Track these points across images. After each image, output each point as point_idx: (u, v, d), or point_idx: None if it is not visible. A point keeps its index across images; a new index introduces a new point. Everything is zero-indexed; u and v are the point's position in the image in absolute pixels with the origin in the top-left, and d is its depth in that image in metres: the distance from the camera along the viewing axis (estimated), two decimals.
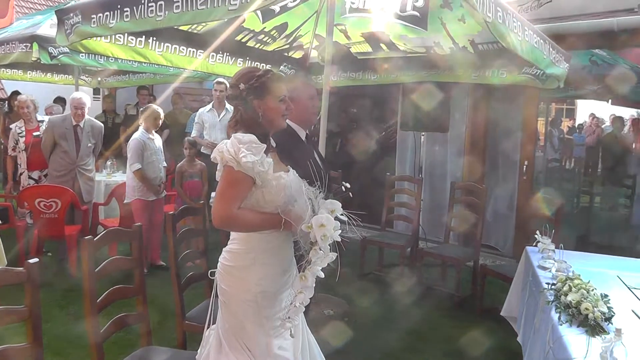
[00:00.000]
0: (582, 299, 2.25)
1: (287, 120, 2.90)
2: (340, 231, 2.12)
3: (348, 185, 2.29)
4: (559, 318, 2.26)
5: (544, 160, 6.71)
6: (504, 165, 5.72)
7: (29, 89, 6.18)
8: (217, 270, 2.28)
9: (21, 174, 5.22)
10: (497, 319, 3.71)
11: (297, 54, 5.57)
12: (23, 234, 4.72)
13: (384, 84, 5.39)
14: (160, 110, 5.07)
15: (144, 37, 4.44)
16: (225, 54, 5.13)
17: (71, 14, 3.68)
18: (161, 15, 3.18)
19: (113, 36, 4.21)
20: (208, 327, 2.40)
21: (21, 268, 1.95)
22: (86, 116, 5.02)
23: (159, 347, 2.67)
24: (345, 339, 3.84)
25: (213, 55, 5.05)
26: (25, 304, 1.97)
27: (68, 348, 3.49)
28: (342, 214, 2.17)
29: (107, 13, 3.43)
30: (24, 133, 5.18)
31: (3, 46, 4.86)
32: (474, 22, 3.86)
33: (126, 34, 4.29)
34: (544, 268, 2.97)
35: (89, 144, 5.04)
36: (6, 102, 7.67)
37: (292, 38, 5.19)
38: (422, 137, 5.36)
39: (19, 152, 5.24)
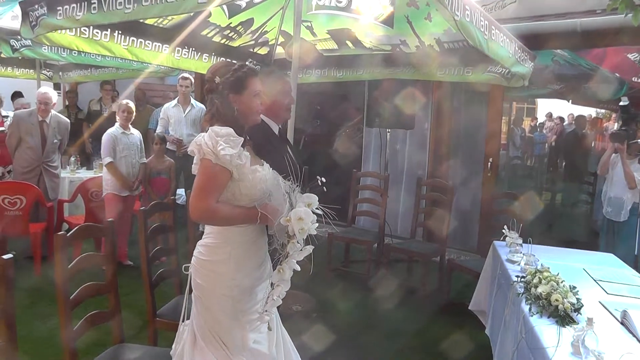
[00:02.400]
0: (552, 291, 2.33)
1: (261, 115, 2.94)
2: (317, 224, 2.14)
3: (324, 179, 2.31)
4: (530, 309, 2.34)
5: (507, 158, 6.88)
6: (468, 162, 5.85)
7: None
8: (192, 264, 2.27)
9: None
10: (464, 312, 3.80)
11: (263, 50, 5.55)
12: None
13: (349, 80, 5.42)
14: (131, 104, 5.05)
15: (109, 30, 4.33)
16: (190, 49, 5.06)
17: (36, 6, 3.56)
18: (130, 8, 3.10)
19: (78, 29, 4.09)
20: (182, 323, 2.38)
21: None
22: (52, 112, 4.89)
23: (131, 344, 2.64)
24: (313, 334, 3.87)
25: (179, 50, 4.98)
26: None
27: (38, 348, 3.40)
28: (317, 208, 2.20)
29: (74, 5, 3.32)
30: None
31: None
32: (440, 21, 3.95)
33: (91, 27, 4.18)
34: (513, 262, 3.06)
35: (55, 140, 4.92)
36: None
37: (257, 34, 5.17)
38: (388, 133, 5.42)
39: None
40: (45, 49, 5.01)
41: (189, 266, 2.29)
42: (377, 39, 4.78)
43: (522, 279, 2.60)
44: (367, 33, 4.76)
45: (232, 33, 5.02)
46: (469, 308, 3.66)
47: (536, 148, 9.86)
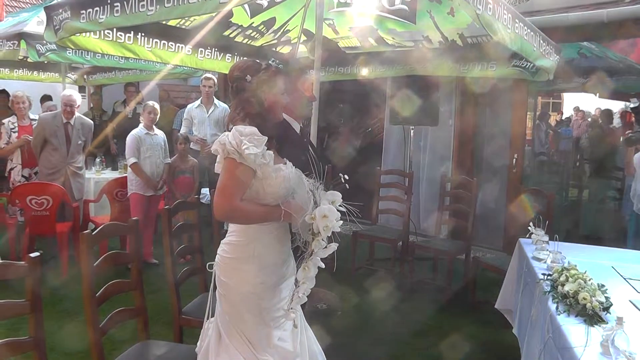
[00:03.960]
0: (580, 289, 2.26)
1: (283, 114, 2.94)
2: (341, 222, 2.13)
3: (346, 176, 2.30)
4: (557, 308, 2.28)
5: (532, 153, 6.75)
6: (493, 159, 5.77)
7: (16, 87, 6.09)
8: (216, 262, 2.29)
9: (11, 169, 5.15)
10: (491, 311, 3.73)
11: (285, 49, 5.56)
12: (14, 231, 4.66)
13: (372, 78, 5.39)
14: (156, 105, 5.12)
15: (132, 32, 4.40)
16: (213, 49, 5.11)
17: (60, 10, 3.62)
18: (152, 10, 3.14)
19: (102, 32, 4.17)
20: (207, 320, 2.40)
21: (23, 262, 1.93)
22: (76, 113, 4.98)
23: (157, 341, 2.67)
24: (338, 333, 3.86)
25: (202, 51, 5.03)
26: (27, 298, 1.95)
27: (65, 344, 3.46)
28: (340, 205, 2.20)
29: (97, 8, 3.37)
30: (17, 129, 5.12)
31: None
32: (463, 16, 3.90)
33: (115, 30, 4.25)
34: (539, 259, 2.99)
35: (79, 142, 5.01)
36: None
37: (279, 33, 5.18)
38: (412, 130, 5.37)
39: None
40: (70, 53, 5.08)
41: (213, 264, 2.30)
42: (399, 35, 4.76)
43: (549, 277, 2.55)
44: (389, 30, 4.74)
45: (254, 33, 5.05)
46: (495, 307, 3.60)
47: (562, 143, 9.65)
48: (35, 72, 6.80)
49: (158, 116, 5.14)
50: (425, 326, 4.05)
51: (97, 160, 6.00)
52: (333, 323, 4.03)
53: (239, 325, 2.20)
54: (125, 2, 3.23)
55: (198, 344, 2.39)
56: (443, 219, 4.90)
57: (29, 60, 5.01)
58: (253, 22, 4.83)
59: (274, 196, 2.14)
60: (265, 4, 4.53)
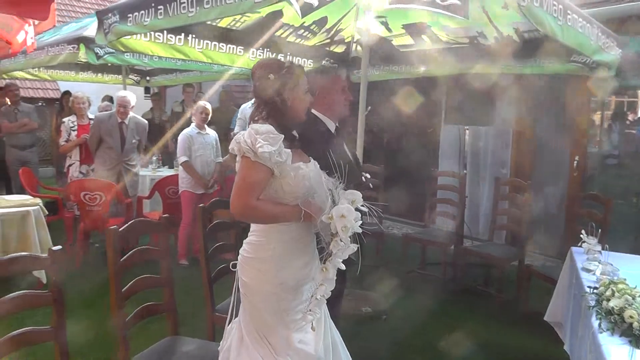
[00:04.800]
0: (626, 306, 2.07)
1: (317, 112, 2.90)
2: (361, 222, 2.06)
3: (368, 175, 2.22)
4: (600, 325, 2.09)
5: (600, 156, 6.28)
6: (554, 161, 5.43)
7: (81, 89, 6.42)
8: (238, 262, 2.27)
9: (70, 165, 5.42)
10: (542, 323, 3.51)
11: (339, 49, 5.51)
12: (71, 225, 4.90)
13: (427, 76, 5.23)
14: (208, 106, 5.22)
15: (183, 34, 4.51)
16: (265, 50, 5.14)
17: (109, 14, 3.77)
18: (192, 11, 3.20)
19: (152, 34, 4.30)
20: (230, 320, 2.39)
21: (45, 255, 2.00)
22: (131, 113, 5.17)
23: (185, 337, 2.68)
24: (381, 338, 3.77)
25: (253, 52, 5.07)
26: (50, 290, 2.01)
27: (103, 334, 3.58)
28: (362, 205, 2.11)
29: (143, 11, 3.48)
30: (76, 127, 5.39)
31: (53, 48, 5.06)
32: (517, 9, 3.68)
33: (165, 32, 4.38)
34: (588, 270, 2.77)
35: (134, 140, 5.20)
36: (58, 101, 7.99)
37: (332, 32, 5.13)
38: (467, 131, 5.16)
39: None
40: (128, 55, 5.29)
41: (236, 263, 2.29)
42: (453, 31, 4.58)
43: (594, 290, 2.34)
44: (442, 26, 4.58)
45: (307, 32, 5.03)
46: (545, 319, 3.37)
47: (636, 146, 8.92)
48: (99, 75, 7.16)
49: (210, 116, 5.23)
50: (470, 335, 3.86)
51: (154, 158, 6.20)
52: (376, 327, 3.94)
53: (259, 326, 2.17)
54: (167, 5, 3.31)
55: (222, 342, 2.39)
56: (497, 224, 4.65)
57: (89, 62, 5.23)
58: (304, 22, 4.81)
59: (293, 195, 2.10)
60: (316, 3, 4.49)
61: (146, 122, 5.48)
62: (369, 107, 7.54)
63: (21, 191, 5.21)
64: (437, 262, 5.10)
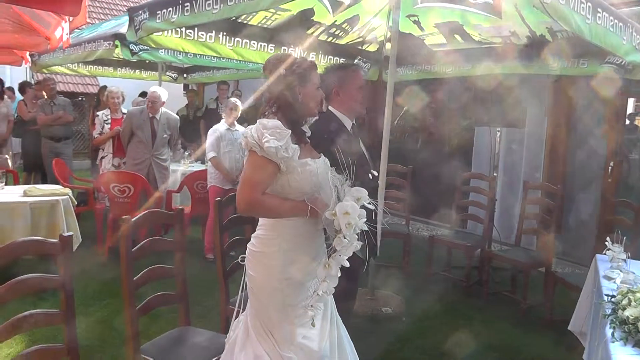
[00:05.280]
0: None
1: (333, 109, 2.89)
2: (365, 219, 2.05)
3: (376, 173, 2.20)
4: (612, 334, 2.01)
5: (637, 162, 6.00)
6: (587, 167, 5.24)
7: (119, 85, 6.61)
8: (246, 256, 2.28)
9: (102, 157, 5.59)
10: (566, 332, 3.39)
11: (372, 47, 5.50)
12: (101, 216, 5.05)
13: (459, 76, 5.13)
14: (238, 103, 5.29)
15: (214, 32, 4.56)
16: (297, 48, 5.15)
17: (140, 11, 3.87)
18: (217, 8, 3.26)
19: (183, 31, 4.38)
20: (237, 314, 2.40)
21: (55, 240, 2.06)
22: (162, 109, 5.28)
23: (196, 328, 2.73)
24: (398, 339, 3.72)
25: (284, 49, 5.08)
26: (60, 274, 2.07)
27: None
28: (369, 203, 2.10)
29: (170, 9, 3.57)
30: (110, 121, 5.56)
31: (90, 44, 5.23)
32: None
33: (196, 29, 4.45)
34: (609, 278, 2.66)
35: (165, 135, 5.31)
36: (96, 96, 8.25)
37: (365, 31, 5.12)
38: (498, 133, 5.04)
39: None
40: (162, 52, 5.40)
41: (245, 257, 2.30)
42: (485, 31, 4.49)
43: (611, 299, 2.24)
44: (474, 25, 4.49)
45: (339, 31, 5.04)
46: (569, 328, 3.25)
47: None
48: (137, 71, 7.35)
49: (239, 113, 5.29)
50: (491, 341, 3.77)
51: (186, 153, 6.33)
52: (395, 328, 3.90)
53: (264, 320, 2.19)
54: (193, 2, 3.38)
55: (228, 334, 2.41)
56: (524, 229, 4.51)
57: (125, 59, 5.37)
58: (336, 21, 4.82)
59: (299, 191, 2.10)
60: (347, 1, 4.50)
61: (177, 117, 5.59)
62: (405, 108, 7.52)
63: (55, 182, 5.39)
64: (463, 266, 5.02)
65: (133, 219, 2.47)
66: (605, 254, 2.94)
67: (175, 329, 2.68)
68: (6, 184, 4.46)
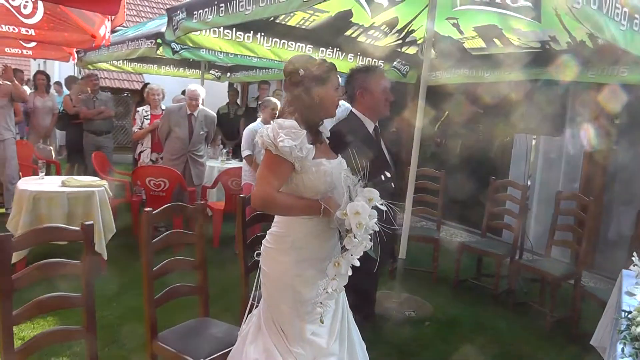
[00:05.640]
0: None
1: (356, 111, 2.92)
2: (375, 219, 2.07)
3: (388, 174, 2.21)
4: (622, 351, 1.95)
5: None
6: (628, 179, 5.02)
7: (161, 82, 6.83)
8: (261, 252, 2.33)
9: (141, 152, 5.78)
10: (590, 347, 3.30)
11: (411, 50, 5.47)
12: (137, 208, 5.23)
13: (498, 81, 5.04)
14: (276, 102, 5.36)
15: (252, 32, 4.66)
16: (335, 49, 5.18)
17: (178, 11, 4.01)
18: (249, 9, 3.35)
19: (221, 31, 4.50)
20: (251, 307, 2.45)
21: (78, 228, 2.18)
22: (200, 106, 5.42)
23: (213, 319, 2.78)
24: (418, 343, 3.70)
25: (322, 50, 5.13)
26: (82, 260, 2.18)
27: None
28: (381, 204, 2.11)
29: (206, 9, 3.69)
30: (149, 116, 5.75)
31: (133, 42, 5.43)
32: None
33: (234, 29, 4.56)
34: (631, 294, 2.57)
35: (201, 132, 5.44)
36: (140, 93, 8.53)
37: (404, 33, 5.11)
38: (534, 140, 4.91)
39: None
40: (203, 51, 5.55)
41: (260, 252, 2.36)
42: (524, 35, 4.41)
43: (628, 315, 2.17)
44: (513, 29, 4.42)
45: (377, 33, 5.05)
46: (591, 343, 3.16)
47: None
48: (180, 69, 7.58)
49: (277, 112, 5.36)
50: (515, 351, 3.70)
51: (224, 151, 6.46)
52: (417, 332, 3.88)
53: (275, 315, 2.24)
54: (228, 3, 3.48)
55: (242, 326, 2.45)
56: (555, 240, 4.38)
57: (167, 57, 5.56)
58: (374, 22, 4.84)
59: (313, 190, 2.14)
60: (386, 3, 4.51)
61: (214, 115, 5.72)
62: (446, 112, 7.43)
63: (95, 174, 5.61)
64: (494, 274, 4.93)
65: (154, 212, 2.59)
66: (631, 269, 2.84)
67: (194, 320, 2.76)
68: (49, 174, 4.69)
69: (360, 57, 5.31)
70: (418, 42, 5.29)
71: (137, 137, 5.77)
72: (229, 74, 8.11)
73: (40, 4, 4.88)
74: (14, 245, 1.93)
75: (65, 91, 8.31)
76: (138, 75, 11.09)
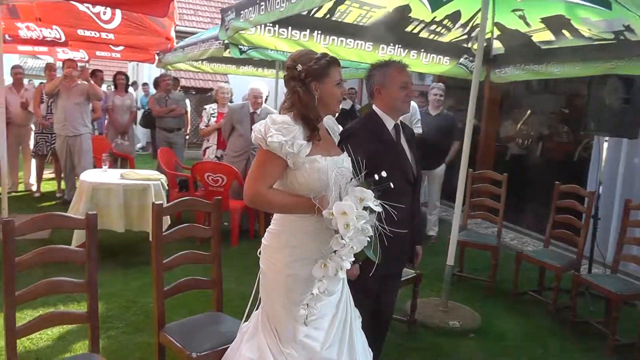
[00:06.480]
0: None
1: (376, 108, 2.82)
2: (364, 221, 1.97)
3: (384, 174, 2.10)
4: None
5: None
6: None
7: (240, 81, 7.06)
8: (261, 249, 2.32)
9: (207, 148, 6.00)
10: None
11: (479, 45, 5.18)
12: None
13: (568, 77, 4.61)
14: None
15: (308, 30, 4.65)
16: (396, 46, 5.04)
17: (229, 12, 4.14)
18: (283, 6, 3.40)
19: (276, 30, 4.53)
20: (258, 305, 2.44)
21: (82, 217, 2.30)
22: (264, 104, 5.52)
23: (224, 314, 2.81)
24: (456, 357, 3.50)
25: (383, 47, 5.01)
26: (85, 248, 2.29)
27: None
28: (377, 205, 2.02)
29: (250, 8, 3.79)
30: (216, 114, 5.96)
31: (204, 43, 5.66)
32: None
33: (290, 28, 4.58)
34: None
35: None
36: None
37: (469, 27, 4.86)
38: (605, 142, 4.43)
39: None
40: (271, 51, 5.64)
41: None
42: (595, 25, 4.00)
43: None
44: (582, 19, 4.02)
45: (440, 28, 4.85)
46: None
47: None
48: (258, 69, 7.78)
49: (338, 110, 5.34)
50: None
51: None
52: (456, 344, 3.66)
53: (270, 314, 2.23)
54: (266, 2, 3.53)
55: (245, 323, 2.44)
56: (624, 255, 3.91)
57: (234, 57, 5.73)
58: (436, 17, 4.66)
59: (307, 187, 2.10)
60: None
61: (277, 112, 5.80)
62: (528, 111, 6.97)
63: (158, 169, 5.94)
64: (561, 288, 4.51)
65: (166, 205, 2.67)
66: None
67: (204, 314, 2.82)
68: (123, 167, 5.03)
69: (424, 54, 5.11)
70: (485, 37, 4.99)
71: (204, 134, 6.00)
72: None
73: (117, 11, 5.26)
74: (17, 230, 2.08)
75: (153, 91, 8.87)
76: (222, 76, 11.59)
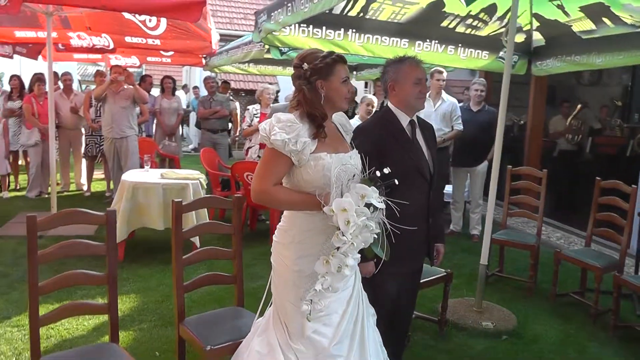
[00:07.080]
0: None
1: (391, 105, 2.81)
2: (365, 217, 1.98)
3: (386, 170, 2.11)
4: None
5: None
6: None
7: (289, 82, 7.17)
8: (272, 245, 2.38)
9: (249, 148, 6.12)
10: None
11: (518, 38, 5.01)
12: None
13: (611, 67, 4.39)
14: (373, 99, 5.35)
15: (342, 29, 4.67)
16: (433, 42, 4.97)
17: (262, 14, 4.22)
18: (306, 7, 3.44)
19: (310, 30, 4.56)
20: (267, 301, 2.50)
21: (102, 213, 2.44)
22: None
23: (245, 310, 2.86)
24: (485, 358, 3.42)
25: (419, 44, 4.95)
26: (105, 242, 2.42)
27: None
28: (380, 202, 2.03)
29: (280, 9, 3.85)
30: (259, 114, 6.08)
31: (246, 46, 5.80)
32: None
33: (324, 28, 4.61)
34: None
35: None
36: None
37: (506, 20, 4.72)
38: None
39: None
40: None
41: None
42: (637, 11, 3.79)
43: None
44: (623, 5, 3.82)
45: (477, 22, 4.75)
46: None
47: None
48: None
49: (374, 108, 5.34)
50: None
51: None
52: (487, 347, 3.57)
53: (280, 310, 2.28)
54: (293, 2, 3.59)
55: (260, 318, 2.48)
56: None
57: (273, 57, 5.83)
58: (471, 11, 4.57)
59: (312, 185, 2.12)
60: None
61: None
62: (579, 105, 6.66)
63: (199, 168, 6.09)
64: (603, 290, 4.29)
65: (185, 203, 2.77)
66: None
67: (225, 308, 2.91)
68: (168, 167, 5.23)
69: (462, 49, 5.01)
70: (524, 29, 4.84)
71: (247, 133, 6.12)
72: (355, 72, 8.19)
73: (162, 18, 5.47)
74: (39, 226, 2.24)
75: (204, 94, 9.15)
76: (272, 77, 11.76)
